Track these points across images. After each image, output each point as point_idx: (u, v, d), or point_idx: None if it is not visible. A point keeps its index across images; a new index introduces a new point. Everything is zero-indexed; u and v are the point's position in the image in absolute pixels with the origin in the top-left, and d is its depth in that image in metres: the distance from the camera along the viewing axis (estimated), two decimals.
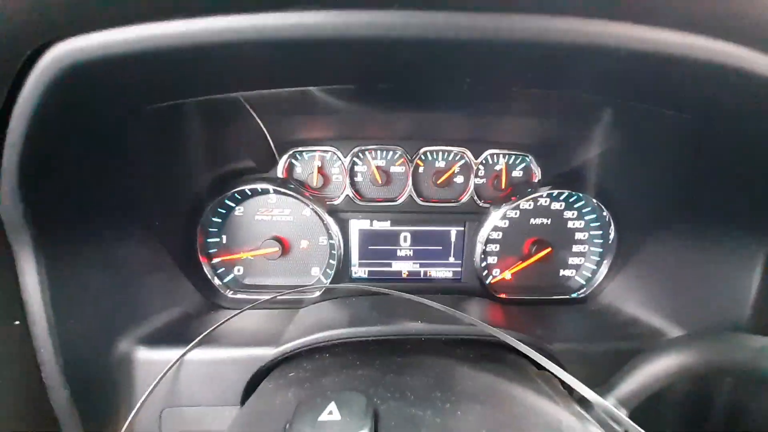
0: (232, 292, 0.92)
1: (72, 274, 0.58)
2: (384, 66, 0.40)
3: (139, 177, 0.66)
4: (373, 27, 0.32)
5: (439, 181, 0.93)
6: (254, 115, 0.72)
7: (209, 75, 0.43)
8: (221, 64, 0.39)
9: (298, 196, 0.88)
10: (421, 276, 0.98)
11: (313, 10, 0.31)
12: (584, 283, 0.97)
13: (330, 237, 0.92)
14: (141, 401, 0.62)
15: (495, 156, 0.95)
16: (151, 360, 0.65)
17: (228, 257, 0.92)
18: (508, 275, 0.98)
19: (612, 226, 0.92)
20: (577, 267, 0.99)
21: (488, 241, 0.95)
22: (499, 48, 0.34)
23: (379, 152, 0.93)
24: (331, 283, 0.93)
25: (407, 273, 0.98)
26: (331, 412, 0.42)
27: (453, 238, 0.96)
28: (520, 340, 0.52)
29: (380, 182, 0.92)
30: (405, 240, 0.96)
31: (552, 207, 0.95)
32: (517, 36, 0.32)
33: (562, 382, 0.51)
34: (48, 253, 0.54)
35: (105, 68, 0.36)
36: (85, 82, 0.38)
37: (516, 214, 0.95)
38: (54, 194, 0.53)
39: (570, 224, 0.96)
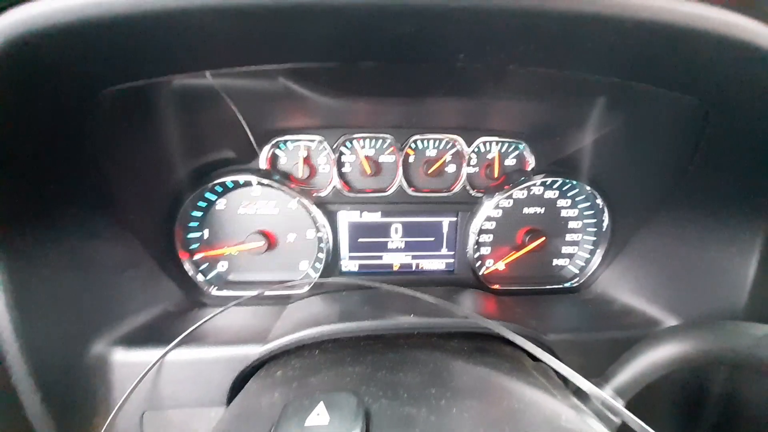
0: (216, 288, 0.88)
1: (37, 274, 0.54)
2: (369, 39, 0.36)
3: (109, 168, 0.61)
4: None
5: (430, 171, 0.90)
6: (229, 101, 0.68)
7: (171, 49, 0.38)
8: (182, 37, 0.35)
9: (283, 188, 0.85)
10: (413, 268, 0.96)
11: None
12: (578, 272, 0.96)
13: (318, 230, 0.89)
14: (119, 404, 0.59)
15: (487, 144, 0.92)
16: (130, 361, 0.62)
17: (210, 253, 0.88)
18: (501, 266, 0.96)
19: (606, 214, 0.91)
20: (570, 256, 0.98)
21: (481, 231, 0.93)
22: (497, 18, 0.31)
23: (367, 141, 0.90)
24: (320, 277, 0.90)
25: (399, 265, 0.95)
26: (320, 414, 0.40)
27: (445, 229, 0.94)
28: (514, 332, 0.51)
29: (369, 172, 0.89)
30: (396, 231, 0.93)
31: (545, 196, 0.94)
32: (517, 4, 0.29)
33: (558, 374, 0.50)
34: (8, 252, 0.49)
35: (49, 43, 0.32)
36: (28, 61, 0.34)
37: (509, 203, 0.94)
38: (12, 187, 0.48)
39: (564, 213, 0.95)
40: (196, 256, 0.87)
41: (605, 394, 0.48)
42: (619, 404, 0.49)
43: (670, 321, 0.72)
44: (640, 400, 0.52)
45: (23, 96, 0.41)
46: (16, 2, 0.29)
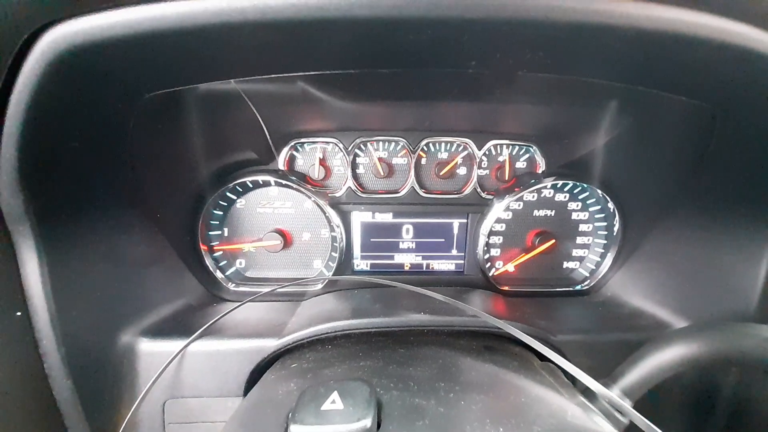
0: (234, 284, 0.91)
1: (73, 265, 0.58)
2: (386, 49, 0.39)
3: (140, 168, 0.65)
4: (375, 6, 0.31)
5: (441, 173, 0.92)
6: (251, 106, 0.71)
7: (209, 59, 0.42)
8: (221, 47, 0.38)
9: (300, 189, 0.88)
10: (424, 268, 0.98)
11: None
12: (588, 275, 0.96)
13: (332, 230, 0.92)
14: (144, 392, 0.62)
15: (498, 147, 0.94)
16: (154, 351, 0.65)
17: (229, 247, 0.91)
18: (511, 267, 0.97)
19: (617, 217, 0.91)
20: (580, 259, 0.98)
21: (491, 233, 0.94)
22: (506, 28, 0.33)
23: (381, 143, 0.92)
24: (332, 275, 0.93)
25: (410, 265, 0.97)
26: (334, 401, 0.42)
27: (456, 230, 0.95)
28: (522, 332, 0.52)
29: (382, 174, 0.92)
30: (407, 232, 0.95)
31: (556, 198, 0.94)
32: (524, 15, 0.31)
33: (566, 373, 0.51)
34: (49, 244, 0.53)
35: (103, 52, 0.35)
36: (82, 68, 0.38)
37: (519, 205, 0.95)
38: (54, 185, 0.52)
39: (574, 216, 0.95)
40: (217, 253, 0.91)
41: (613, 394, 0.49)
42: (626, 404, 0.49)
43: (681, 324, 0.72)
44: (648, 400, 0.52)
45: (76, 99, 0.45)
46: (77, 14, 0.32)
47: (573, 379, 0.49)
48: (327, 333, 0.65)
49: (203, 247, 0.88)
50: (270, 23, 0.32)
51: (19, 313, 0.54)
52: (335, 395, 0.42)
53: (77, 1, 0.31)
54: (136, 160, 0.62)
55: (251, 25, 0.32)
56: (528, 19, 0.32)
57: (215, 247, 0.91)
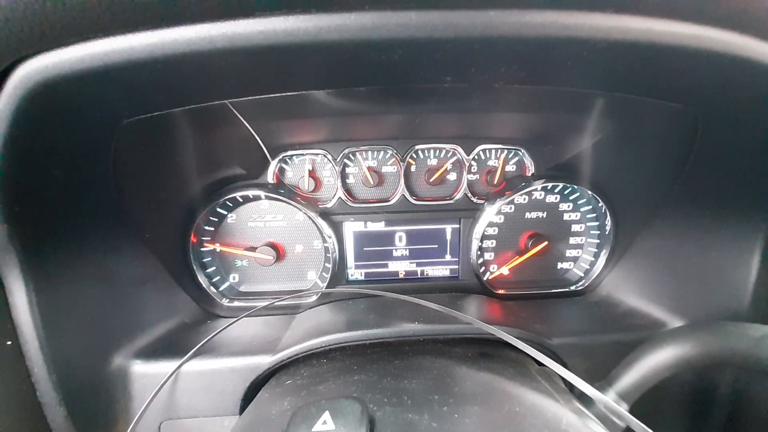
0: (228, 300, 0.91)
1: (62, 291, 0.57)
2: (360, 69, 0.39)
3: (128, 189, 0.65)
4: (344, 30, 0.31)
5: (431, 179, 0.92)
6: (242, 120, 0.71)
7: (184, 86, 0.42)
8: (195, 75, 0.38)
9: (290, 201, 0.87)
10: (418, 275, 0.97)
11: (283, 16, 0.30)
12: (582, 275, 0.96)
13: (324, 240, 0.91)
14: (138, 415, 0.62)
15: (487, 151, 0.94)
16: (148, 373, 0.65)
17: (227, 250, 0.91)
18: (505, 271, 0.97)
19: (608, 217, 0.91)
20: (574, 259, 0.98)
21: (484, 237, 0.94)
22: (477, 46, 0.33)
23: (370, 153, 0.92)
24: (327, 286, 0.93)
25: (404, 273, 0.97)
26: (326, 422, 0.41)
27: (448, 236, 0.95)
28: (518, 337, 0.52)
29: (372, 183, 0.91)
30: (400, 240, 0.95)
31: (547, 200, 0.94)
32: (494, 33, 0.31)
33: (563, 378, 0.51)
34: (35, 272, 0.53)
35: (75, 84, 0.35)
36: (56, 100, 0.38)
37: (511, 208, 0.95)
38: (38, 213, 0.52)
39: (566, 216, 0.95)
40: (209, 269, 0.90)
41: (608, 398, 0.49)
42: (622, 408, 0.49)
43: (675, 322, 0.72)
44: (647, 402, 0.52)
45: (53, 130, 0.45)
46: (44, 49, 0.32)
47: (570, 383, 0.49)
48: (321, 347, 0.64)
49: (195, 267, 0.88)
50: (240, 50, 0.32)
51: (9, 342, 0.53)
52: (326, 415, 0.42)
53: (43, 37, 0.31)
54: (121, 182, 0.62)
55: (222, 53, 0.32)
56: (498, 36, 0.32)
57: (208, 264, 0.90)
